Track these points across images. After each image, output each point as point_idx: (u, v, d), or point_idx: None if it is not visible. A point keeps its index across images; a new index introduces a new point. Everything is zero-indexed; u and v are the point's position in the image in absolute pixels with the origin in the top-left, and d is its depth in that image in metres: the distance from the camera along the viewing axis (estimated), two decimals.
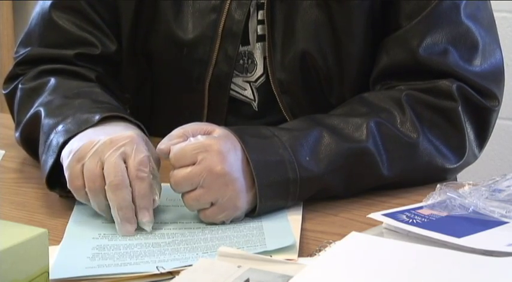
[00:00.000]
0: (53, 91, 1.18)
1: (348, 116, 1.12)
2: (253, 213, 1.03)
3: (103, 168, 0.99)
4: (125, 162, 0.99)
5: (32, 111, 1.16)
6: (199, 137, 1.01)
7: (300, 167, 1.04)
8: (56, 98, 1.15)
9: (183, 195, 1.01)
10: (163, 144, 1.02)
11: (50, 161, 1.05)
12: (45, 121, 1.11)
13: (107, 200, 0.99)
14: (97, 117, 1.06)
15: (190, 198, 1.00)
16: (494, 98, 1.19)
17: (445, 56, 1.16)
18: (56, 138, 1.07)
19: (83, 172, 0.99)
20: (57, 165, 1.05)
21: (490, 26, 1.22)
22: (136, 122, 1.09)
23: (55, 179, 1.06)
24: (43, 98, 1.17)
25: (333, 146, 1.07)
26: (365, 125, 1.10)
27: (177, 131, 1.03)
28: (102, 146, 1.00)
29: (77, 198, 1.01)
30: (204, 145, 1.00)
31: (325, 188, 1.08)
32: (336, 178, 1.08)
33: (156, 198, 1.01)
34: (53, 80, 1.20)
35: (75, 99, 1.14)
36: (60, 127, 1.08)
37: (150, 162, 1.00)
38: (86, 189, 0.99)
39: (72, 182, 1.00)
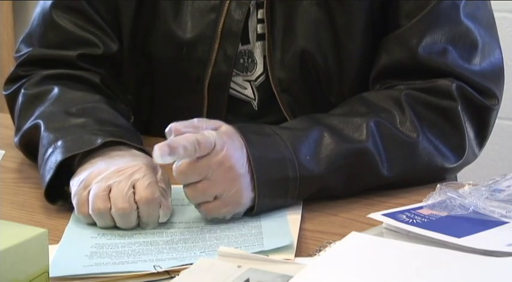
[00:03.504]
0: (55, 101, 1.17)
1: (347, 116, 1.12)
2: (252, 211, 1.03)
3: (109, 193, 0.99)
4: (133, 188, 1.00)
5: (32, 120, 1.16)
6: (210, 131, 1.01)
7: (300, 165, 1.04)
8: (58, 112, 1.15)
9: (186, 186, 1.00)
10: (178, 124, 1.01)
11: (47, 178, 1.05)
12: (45, 134, 1.11)
13: (113, 222, 1.00)
14: (99, 140, 1.06)
15: (196, 190, 1.00)
16: (493, 97, 1.19)
17: (444, 55, 1.16)
18: (54, 154, 1.07)
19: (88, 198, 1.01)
20: (56, 179, 1.05)
21: (489, 26, 1.22)
22: (140, 146, 1.09)
23: (55, 193, 1.06)
24: (45, 108, 1.17)
25: (333, 146, 1.08)
26: (365, 125, 1.10)
27: (188, 122, 1.02)
28: (110, 173, 1.00)
29: (86, 222, 1.02)
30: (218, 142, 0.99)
31: (325, 187, 1.08)
32: (335, 178, 1.08)
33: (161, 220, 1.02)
34: (56, 90, 1.19)
35: (78, 117, 1.13)
36: (59, 143, 1.08)
37: (158, 187, 1.01)
38: (90, 212, 1.00)
39: (80, 208, 1.01)
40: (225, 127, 1.03)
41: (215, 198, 1.00)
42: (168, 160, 0.96)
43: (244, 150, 1.02)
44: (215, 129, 1.03)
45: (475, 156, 1.22)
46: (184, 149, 0.96)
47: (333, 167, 1.07)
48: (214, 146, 0.99)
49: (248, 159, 1.02)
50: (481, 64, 1.18)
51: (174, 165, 1.00)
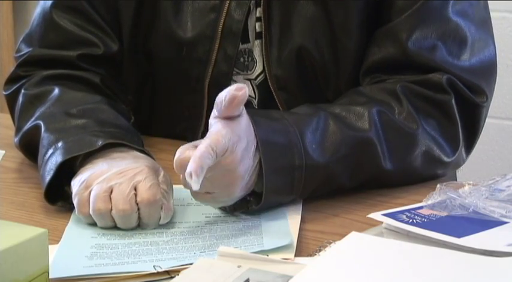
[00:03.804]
0: (55, 102, 1.17)
1: (349, 105, 1.12)
2: (259, 202, 1.02)
3: (110, 194, 0.99)
4: (135, 190, 0.99)
5: (32, 121, 1.16)
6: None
7: (307, 154, 1.04)
8: (58, 113, 1.14)
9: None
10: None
11: (47, 179, 1.05)
12: (45, 135, 1.11)
13: (113, 222, 1.00)
14: (99, 142, 1.06)
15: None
16: (482, 93, 1.19)
17: (433, 52, 1.17)
18: (55, 155, 1.07)
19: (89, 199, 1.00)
20: (56, 180, 1.05)
21: (481, 23, 1.22)
22: (141, 148, 1.09)
23: (55, 194, 1.06)
24: (45, 108, 1.17)
25: (338, 134, 1.08)
26: (367, 114, 1.10)
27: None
28: (112, 175, 1.01)
29: (86, 222, 1.01)
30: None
31: (330, 175, 1.07)
32: (340, 167, 1.08)
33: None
34: (56, 90, 1.19)
35: (78, 118, 1.13)
36: (60, 144, 1.08)
37: (159, 189, 1.00)
38: (91, 212, 1.00)
39: (80, 208, 1.01)
40: (244, 119, 1.00)
41: (206, 192, 1.00)
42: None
43: (252, 137, 1.00)
44: (238, 116, 0.99)
45: (463, 159, 1.22)
46: (207, 167, 0.93)
47: (338, 156, 1.07)
48: (225, 150, 0.96)
49: (256, 147, 1.00)
50: (470, 60, 1.18)
51: (176, 157, 0.97)
